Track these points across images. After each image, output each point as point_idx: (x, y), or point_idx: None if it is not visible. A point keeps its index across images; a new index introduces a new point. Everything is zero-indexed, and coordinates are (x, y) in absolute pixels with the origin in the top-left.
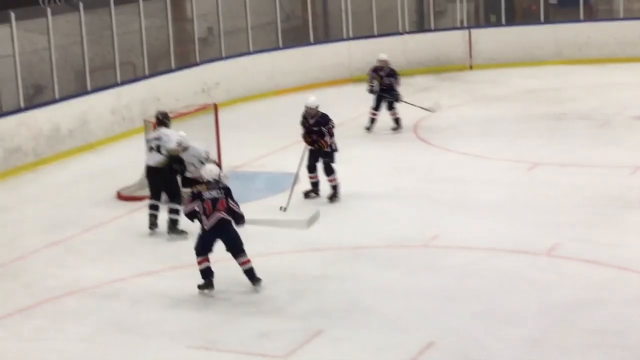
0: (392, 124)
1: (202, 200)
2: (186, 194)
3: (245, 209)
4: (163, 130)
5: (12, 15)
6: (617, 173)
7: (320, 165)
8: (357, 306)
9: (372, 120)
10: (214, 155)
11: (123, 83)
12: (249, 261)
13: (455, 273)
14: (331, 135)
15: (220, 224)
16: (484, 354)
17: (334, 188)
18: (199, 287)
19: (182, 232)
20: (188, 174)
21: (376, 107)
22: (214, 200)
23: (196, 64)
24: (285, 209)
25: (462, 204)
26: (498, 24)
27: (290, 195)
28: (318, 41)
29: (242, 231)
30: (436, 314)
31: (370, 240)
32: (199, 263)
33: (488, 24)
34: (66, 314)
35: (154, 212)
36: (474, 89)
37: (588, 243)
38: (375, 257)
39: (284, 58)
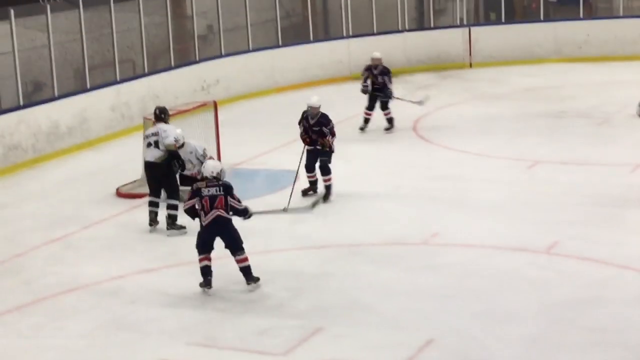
0: (385, 123)
1: (201, 197)
2: (185, 191)
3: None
4: (161, 126)
5: (12, 12)
6: (617, 171)
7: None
8: (357, 304)
9: (366, 121)
10: (213, 153)
11: (122, 80)
12: (246, 259)
13: (455, 271)
14: (333, 135)
15: (218, 222)
16: (483, 352)
17: (328, 188)
18: (200, 284)
19: (181, 228)
20: (186, 172)
21: (370, 107)
22: (212, 198)
23: (196, 62)
24: (286, 210)
25: (461, 202)
26: (498, 22)
27: (291, 196)
28: (318, 39)
29: (241, 228)
30: (435, 312)
31: (370, 238)
32: (199, 261)
33: (488, 22)
34: (65, 311)
35: (153, 208)
36: (473, 87)
37: (588, 241)
38: (374, 255)
39: (284, 56)
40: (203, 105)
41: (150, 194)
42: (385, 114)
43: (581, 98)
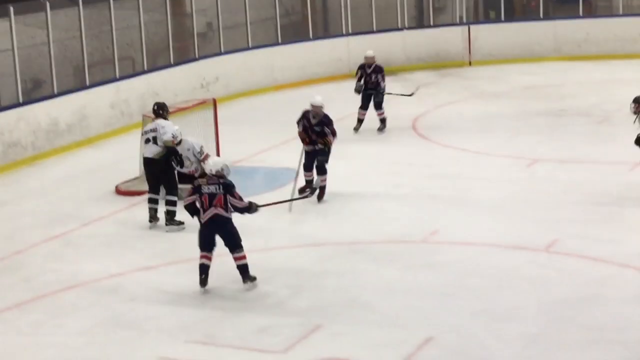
0: (378, 124)
1: (201, 194)
2: (183, 189)
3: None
4: (159, 122)
5: (11, 9)
6: (617, 170)
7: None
8: (356, 302)
9: (360, 121)
10: (212, 150)
11: (122, 78)
12: (244, 257)
13: (454, 269)
14: (334, 135)
15: (215, 220)
16: (482, 350)
17: (323, 188)
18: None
19: (180, 223)
20: (184, 169)
21: (364, 107)
22: (211, 196)
23: (195, 59)
24: (290, 210)
25: (461, 201)
26: (497, 20)
27: (292, 197)
28: (317, 37)
29: (241, 226)
30: (435, 310)
31: (370, 236)
32: (199, 258)
33: (487, 20)
34: (65, 309)
35: (153, 205)
36: (473, 85)
37: (587, 239)
38: (374, 253)
39: (283, 53)
40: (202, 102)
41: (150, 191)
42: (379, 114)
43: (581, 96)
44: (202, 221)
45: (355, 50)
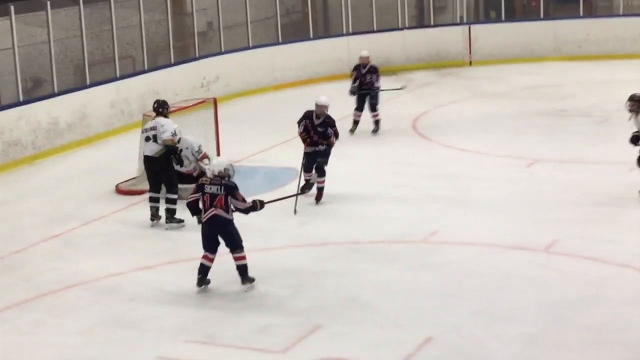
0: (372, 125)
1: (203, 193)
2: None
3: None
4: (159, 120)
5: (12, 8)
6: (617, 170)
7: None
8: (356, 302)
9: (356, 122)
10: (212, 150)
11: (122, 77)
12: (243, 258)
13: (454, 269)
14: (337, 137)
15: (215, 220)
16: (482, 350)
17: (320, 190)
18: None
19: (180, 221)
20: (182, 169)
21: (359, 108)
22: (213, 196)
23: (195, 59)
24: (295, 212)
25: (461, 201)
26: (498, 20)
27: (296, 199)
28: (317, 36)
29: (242, 226)
30: (435, 310)
31: (369, 236)
32: (201, 257)
33: (488, 20)
34: (64, 308)
35: (154, 204)
36: (473, 85)
37: (587, 240)
38: (374, 253)
39: (284, 53)
40: (203, 102)
41: (150, 190)
42: (374, 116)
43: (581, 97)
44: (203, 220)
45: (356, 50)
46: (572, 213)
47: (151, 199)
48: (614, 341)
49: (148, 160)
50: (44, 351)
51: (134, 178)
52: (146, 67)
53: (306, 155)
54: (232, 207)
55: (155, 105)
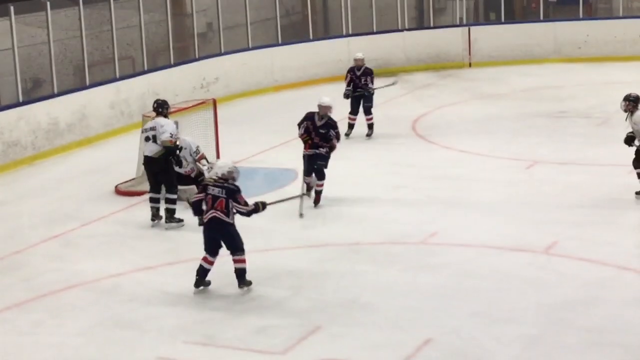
0: (366, 129)
1: (206, 194)
2: (181, 190)
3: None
4: (158, 120)
5: (12, 8)
6: (616, 172)
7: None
8: (355, 303)
9: (351, 126)
10: (212, 150)
11: (122, 78)
12: (242, 261)
13: (454, 270)
14: (338, 139)
15: (213, 222)
16: (481, 351)
17: (319, 193)
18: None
19: (179, 221)
20: (181, 170)
21: (354, 112)
22: (215, 198)
23: (195, 59)
24: (302, 215)
25: (460, 202)
26: (497, 21)
27: (301, 202)
28: (317, 37)
29: (241, 227)
30: (434, 312)
31: (369, 237)
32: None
33: (487, 21)
34: (64, 308)
35: (154, 204)
36: (473, 87)
37: (586, 242)
38: (373, 254)
39: (283, 54)
40: (202, 103)
41: (151, 190)
42: (368, 119)
43: (580, 98)
44: (204, 221)
45: (356, 51)
46: (571, 215)
47: (151, 200)
48: (614, 343)
49: (148, 161)
50: (43, 351)
51: (133, 179)
52: (146, 68)
53: (306, 157)
54: (233, 210)
55: (155, 105)
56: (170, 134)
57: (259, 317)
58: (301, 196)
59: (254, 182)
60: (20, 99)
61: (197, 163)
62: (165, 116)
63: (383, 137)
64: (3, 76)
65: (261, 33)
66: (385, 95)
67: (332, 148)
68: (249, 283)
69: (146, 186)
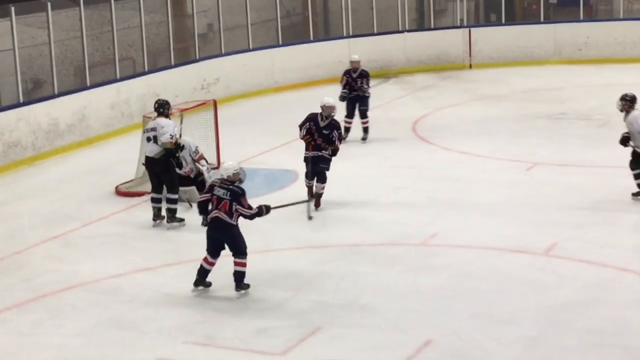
0: (361, 133)
1: (212, 194)
2: (183, 191)
3: None
4: (159, 121)
5: (12, 9)
6: (616, 173)
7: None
8: (355, 304)
9: (347, 129)
10: (212, 151)
11: (122, 78)
12: (243, 265)
13: (453, 272)
14: (340, 140)
15: (215, 222)
16: (481, 353)
17: (319, 196)
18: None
19: (180, 220)
20: (181, 171)
21: (349, 115)
22: (219, 199)
23: (196, 60)
24: (311, 218)
25: (460, 203)
26: (498, 23)
27: (309, 206)
28: (318, 38)
29: (242, 227)
30: (434, 313)
31: (369, 238)
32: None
33: (488, 23)
34: (64, 309)
35: (156, 204)
36: (473, 88)
37: (586, 243)
38: (373, 255)
39: (284, 55)
40: (203, 104)
41: (152, 190)
42: (363, 123)
43: (581, 100)
44: (207, 221)
45: (356, 53)
46: (572, 216)
47: (153, 200)
48: (614, 344)
49: (149, 161)
50: (43, 352)
51: (133, 180)
52: (146, 69)
53: (309, 159)
54: (237, 212)
55: (157, 106)
56: (171, 135)
57: (259, 318)
58: (307, 202)
59: (254, 183)
60: (21, 100)
61: (196, 163)
62: (167, 116)
63: (383, 138)
64: (3, 77)
65: (262, 34)
66: (385, 96)
67: (335, 151)
68: (246, 287)
69: (146, 187)
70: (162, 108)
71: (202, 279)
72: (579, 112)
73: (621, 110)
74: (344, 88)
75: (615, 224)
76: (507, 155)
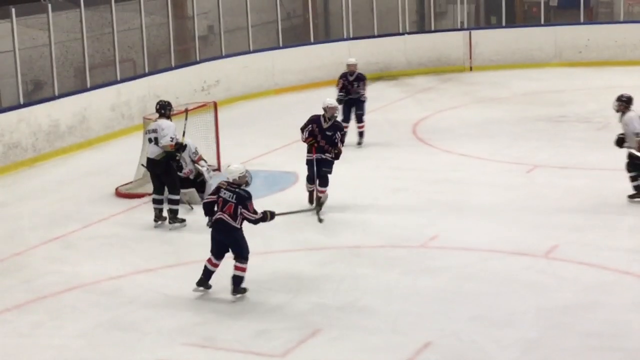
0: (357, 137)
1: (218, 196)
2: (184, 193)
3: None
4: (160, 123)
5: (13, 11)
6: (616, 176)
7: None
8: (355, 306)
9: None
10: (212, 153)
11: (123, 80)
12: (242, 269)
13: (453, 274)
14: (343, 142)
15: (219, 224)
16: (481, 355)
17: (320, 199)
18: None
19: (182, 221)
20: (181, 173)
21: (346, 119)
22: (225, 201)
23: (196, 62)
24: (322, 220)
25: (460, 206)
26: (498, 25)
27: (318, 211)
28: (318, 40)
29: (246, 231)
30: (433, 315)
31: (369, 240)
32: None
33: (488, 25)
34: (64, 310)
35: (157, 206)
36: (473, 91)
37: (586, 246)
38: (373, 258)
39: (284, 57)
40: (203, 105)
41: (154, 192)
42: (359, 127)
43: (581, 103)
44: (211, 223)
45: (357, 55)
46: (571, 219)
47: (154, 201)
48: (614, 347)
49: (150, 163)
50: (43, 353)
51: (134, 181)
52: (147, 71)
53: (310, 163)
54: (241, 216)
55: (158, 107)
56: (171, 137)
57: (258, 320)
58: (317, 210)
59: (254, 184)
60: (21, 101)
61: (196, 164)
62: (168, 117)
63: (383, 140)
64: (4, 78)
65: (262, 36)
66: (385, 98)
67: (338, 154)
68: (243, 291)
69: (146, 189)
70: (164, 109)
71: (204, 279)
72: (579, 115)
73: (617, 111)
74: (340, 91)
75: (616, 227)
76: (507, 157)
